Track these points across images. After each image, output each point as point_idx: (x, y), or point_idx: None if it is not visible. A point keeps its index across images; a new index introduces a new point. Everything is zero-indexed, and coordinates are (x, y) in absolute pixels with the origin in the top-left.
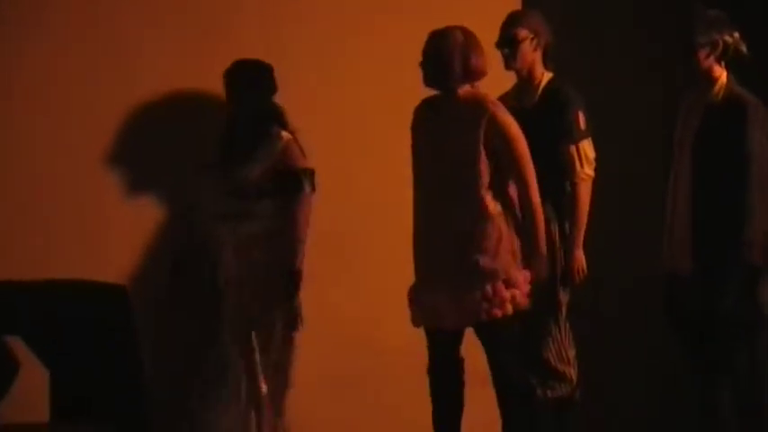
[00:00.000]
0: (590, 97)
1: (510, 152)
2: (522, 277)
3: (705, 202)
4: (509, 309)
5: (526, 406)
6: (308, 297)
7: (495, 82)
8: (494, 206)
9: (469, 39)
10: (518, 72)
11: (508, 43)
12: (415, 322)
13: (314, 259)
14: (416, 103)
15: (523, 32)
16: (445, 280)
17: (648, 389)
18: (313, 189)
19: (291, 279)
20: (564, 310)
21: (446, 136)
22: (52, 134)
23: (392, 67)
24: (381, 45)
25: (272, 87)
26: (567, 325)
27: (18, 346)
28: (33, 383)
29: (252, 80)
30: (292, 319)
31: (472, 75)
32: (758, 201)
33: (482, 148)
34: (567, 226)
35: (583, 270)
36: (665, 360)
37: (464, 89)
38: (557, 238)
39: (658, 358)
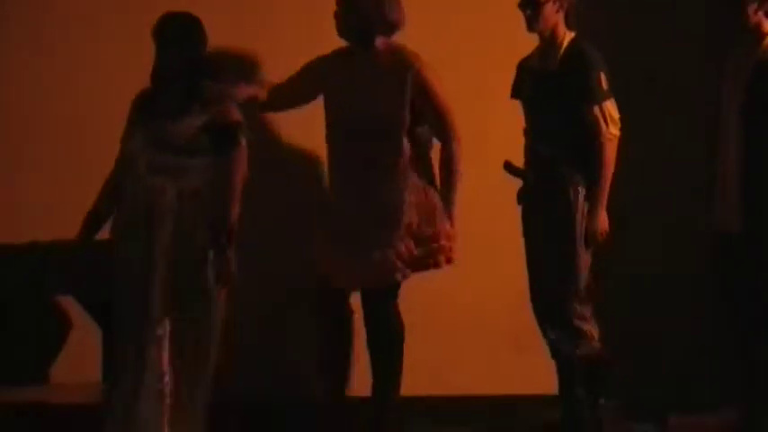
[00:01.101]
0: (633, 56)
1: (435, 108)
2: (431, 231)
3: (756, 160)
4: (399, 277)
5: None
6: None
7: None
8: (408, 161)
9: None
10: (540, 33)
11: (531, 4)
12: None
13: None
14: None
15: None
16: (353, 241)
17: (686, 347)
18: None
19: (225, 234)
20: (586, 270)
21: (369, 90)
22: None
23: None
24: None
25: (203, 40)
26: (589, 284)
27: (71, 305)
28: (86, 343)
29: (184, 33)
30: (223, 275)
31: (390, 27)
32: None
33: (407, 103)
34: (591, 186)
35: (605, 230)
36: (704, 320)
37: (381, 41)
38: (580, 198)
39: (698, 319)
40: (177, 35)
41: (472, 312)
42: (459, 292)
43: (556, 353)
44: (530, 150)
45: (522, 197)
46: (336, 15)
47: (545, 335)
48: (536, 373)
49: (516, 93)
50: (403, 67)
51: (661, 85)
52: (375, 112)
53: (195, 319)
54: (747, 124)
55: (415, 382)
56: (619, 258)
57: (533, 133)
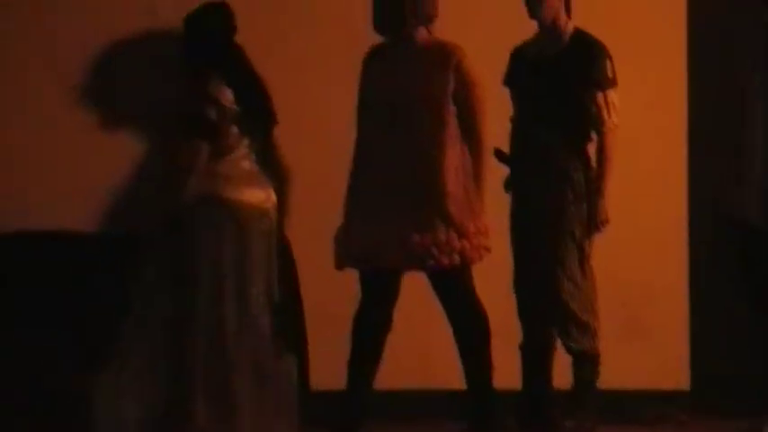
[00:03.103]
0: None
1: (471, 100)
2: (474, 228)
3: None
4: (456, 259)
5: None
6: None
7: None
8: (453, 153)
9: None
10: (542, 21)
11: None
12: (347, 262)
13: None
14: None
15: None
16: (396, 219)
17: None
18: None
19: None
20: (588, 258)
21: (410, 76)
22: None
23: None
24: None
25: None
26: (592, 274)
27: None
28: None
29: None
30: None
31: (425, 18)
32: None
33: (449, 93)
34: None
35: (606, 219)
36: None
37: (421, 34)
38: (582, 186)
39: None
40: None
41: None
42: None
43: (544, 345)
44: (524, 137)
45: (512, 185)
46: (373, 9)
47: (538, 327)
48: None
49: (509, 80)
50: (446, 56)
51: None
52: (409, 96)
53: None
54: None
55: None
56: None
57: (530, 120)
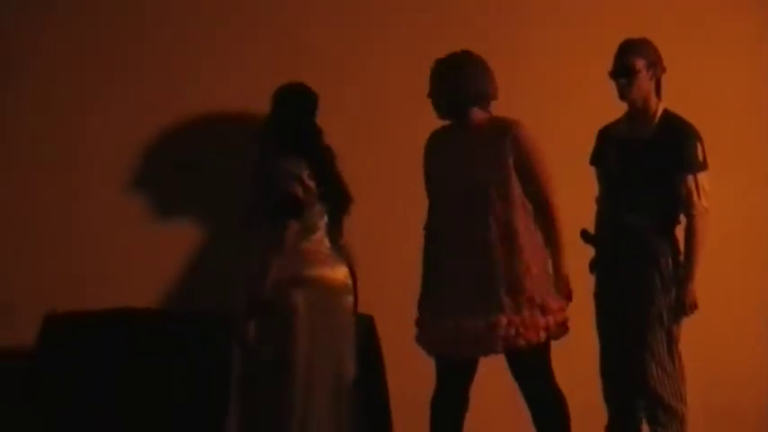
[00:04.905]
0: None
1: (533, 169)
2: (557, 305)
3: None
4: (543, 336)
5: None
6: None
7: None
8: (524, 228)
9: (481, 62)
10: (632, 103)
11: (626, 73)
12: (433, 349)
13: None
14: None
15: (641, 62)
16: (475, 304)
17: None
18: None
19: None
20: (676, 343)
21: (471, 160)
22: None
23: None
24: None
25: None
26: (680, 359)
27: None
28: None
29: None
30: None
31: (483, 98)
32: None
33: (511, 168)
34: (680, 259)
35: (695, 304)
36: None
37: (477, 114)
38: (670, 271)
39: None
40: None
41: None
42: None
43: (630, 430)
44: (611, 219)
45: (597, 266)
46: (430, 94)
47: (624, 411)
48: None
49: (596, 159)
50: (501, 133)
51: None
52: (474, 181)
53: None
54: None
55: None
56: None
57: (618, 202)
